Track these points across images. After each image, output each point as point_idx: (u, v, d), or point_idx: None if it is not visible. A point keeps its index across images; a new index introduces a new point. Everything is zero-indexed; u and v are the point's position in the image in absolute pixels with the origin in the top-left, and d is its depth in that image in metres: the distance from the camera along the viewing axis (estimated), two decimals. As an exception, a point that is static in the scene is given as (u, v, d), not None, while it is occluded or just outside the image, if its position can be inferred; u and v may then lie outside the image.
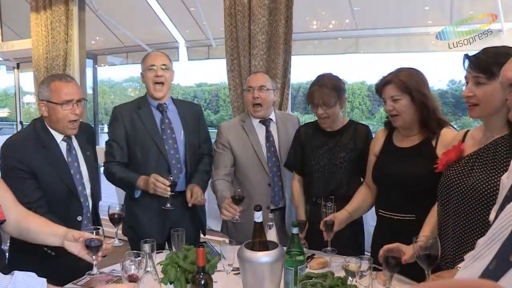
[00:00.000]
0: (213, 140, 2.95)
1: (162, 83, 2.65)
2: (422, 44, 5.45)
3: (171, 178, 2.49)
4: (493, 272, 0.72)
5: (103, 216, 2.46)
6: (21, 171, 2.17)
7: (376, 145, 2.33)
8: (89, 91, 6.71)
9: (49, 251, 2.13)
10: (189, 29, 6.57)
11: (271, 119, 2.82)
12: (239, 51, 3.81)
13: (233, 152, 2.75)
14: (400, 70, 2.14)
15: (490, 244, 0.77)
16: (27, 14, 5.24)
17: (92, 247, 1.80)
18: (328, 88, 2.45)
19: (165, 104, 2.71)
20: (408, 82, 2.08)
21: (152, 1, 6.11)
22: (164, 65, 2.65)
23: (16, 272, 1.40)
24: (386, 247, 1.81)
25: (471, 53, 1.69)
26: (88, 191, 2.40)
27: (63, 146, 2.34)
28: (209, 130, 3.02)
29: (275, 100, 2.95)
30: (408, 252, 1.78)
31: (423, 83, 2.13)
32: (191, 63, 6.89)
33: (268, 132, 2.79)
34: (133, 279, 1.65)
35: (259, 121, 2.80)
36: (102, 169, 2.79)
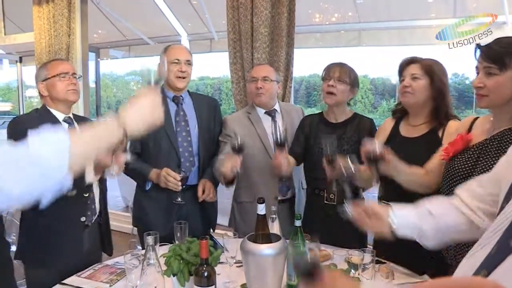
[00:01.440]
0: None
1: (184, 77, 2.70)
2: (425, 37, 5.43)
3: (183, 171, 2.50)
4: (494, 257, 0.72)
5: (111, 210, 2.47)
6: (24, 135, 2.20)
7: (381, 135, 2.32)
8: (92, 84, 6.71)
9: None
10: (191, 22, 6.55)
11: (276, 110, 2.83)
12: (241, 44, 3.80)
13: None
14: (426, 58, 2.18)
15: (493, 233, 0.77)
16: (30, 8, 5.23)
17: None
18: (347, 68, 2.53)
19: (181, 96, 2.73)
20: (433, 66, 2.12)
21: (154, -6, 6.10)
22: (188, 60, 2.70)
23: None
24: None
25: (482, 44, 1.67)
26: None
27: (64, 126, 2.37)
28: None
29: (279, 92, 2.94)
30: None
31: (445, 75, 2.16)
32: (193, 56, 6.88)
33: (274, 123, 2.79)
34: None
35: (265, 112, 2.80)
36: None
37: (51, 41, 5.04)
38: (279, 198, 2.71)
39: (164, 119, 2.60)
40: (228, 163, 2.36)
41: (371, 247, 2.19)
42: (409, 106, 2.20)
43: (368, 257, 1.77)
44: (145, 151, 2.67)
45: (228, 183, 2.55)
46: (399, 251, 1.86)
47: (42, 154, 1.11)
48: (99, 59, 7.36)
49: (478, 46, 1.66)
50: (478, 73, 1.67)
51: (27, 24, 5.55)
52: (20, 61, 6.73)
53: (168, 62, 2.67)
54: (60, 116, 2.36)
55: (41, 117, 2.31)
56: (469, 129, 1.85)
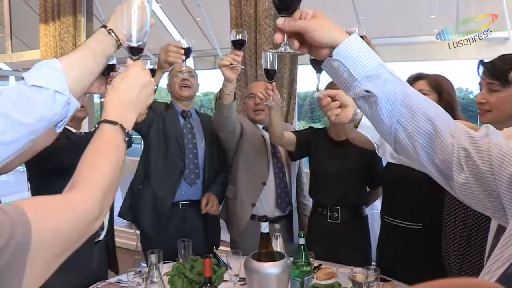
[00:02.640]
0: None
1: (189, 86, 2.73)
2: (429, 52, 5.45)
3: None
4: (510, 276, 0.70)
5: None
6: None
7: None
8: (96, 100, 6.74)
9: None
10: (195, 39, 6.60)
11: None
12: (245, 61, 3.82)
13: (242, 129, 2.71)
14: (435, 74, 2.19)
15: (506, 247, 0.75)
16: (36, 25, 5.30)
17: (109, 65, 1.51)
18: None
19: (189, 111, 2.76)
20: (441, 82, 2.12)
21: (158, 11, 6.17)
22: (190, 72, 2.72)
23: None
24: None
25: (486, 60, 1.68)
26: None
27: None
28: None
29: (283, 108, 2.95)
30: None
31: (453, 89, 2.17)
32: (197, 73, 6.92)
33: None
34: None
35: (262, 128, 2.80)
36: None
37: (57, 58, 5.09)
38: (277, 214, 2.70)
39: (173, 131, 2.66)
40: (228, 58, 2.18)
41: (375, 263, 2.18)
42: None
43: (372, 275, 1.76)
44: (153, 153, 2.68)
45: (227, 100, 2.37)
46: (403, 269, 1.85)
47: (41, 83, 1.10)
48: (104, 77, 7.41)
49: (482, 62, 1.67)
50: (481, 89, 1.68)
51: (34, 42, 5.63)
52: (26, 78, 6.79)
53: (172, 77, 2.73)
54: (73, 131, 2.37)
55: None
56: None
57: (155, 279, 1.62)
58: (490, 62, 1.65)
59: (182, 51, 2.15)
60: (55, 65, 1.14)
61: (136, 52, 1.18)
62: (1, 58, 6.41)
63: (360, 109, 1.13)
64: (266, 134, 2.74)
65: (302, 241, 1.84)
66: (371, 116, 1.03)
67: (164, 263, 2.02)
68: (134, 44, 1.18)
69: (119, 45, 1.26)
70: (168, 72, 2.77)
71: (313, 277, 1.97)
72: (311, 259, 1.93)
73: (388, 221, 2.23)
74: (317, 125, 2.92)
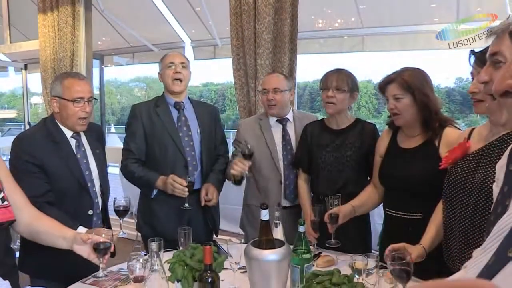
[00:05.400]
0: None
1: (181, 80, 2.70)
2: (429, 42, 5.43)
3: (189, 178, 2.51)
4: (492, 266, 0.72)
5: (112, 216, 2.48)
6: (30, 164, 2.18)
7: (381, 146, 2.33)
8: (96, 91, 6.75)
9: None
10: (195, 28, 6.59)
11: (287, 119, 2.83)
12: (244, 51, 3.82)
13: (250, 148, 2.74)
14: (404, 70, 2.13)
15: (493, 240, 0.77)
16: (35, 16, 5.28)
17: (100, 249, 1.81)
18: (344, 75, 2.50)
19: (182, 102, 2.75)
20: (411, 81, 2.07)
21: (158, 1, 6.14)
22: (182, 63, 2.70)
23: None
24: (391, 247, 1.80)
25: (477, 50, 1.68)
26: (97, 188, 2.41)
27: (72, 142, 2.36)
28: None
29: (292, 100, 2.95)
30: (414, 251, 1.78)
31: (427, 83, 2.12)
32: (197, 63, 6.92)
33: (284, 131, 2.80)
34: (138, 280, 1.66)
35: (276, 120, 2.81)
36: (119, 167, 2.82)
37: (56, 49, 5.08)
38: (285, 204, 2.73)
39: (168, 125, 2.67)
40: (238, 167, 2.49)
41: (376, 252, 2.19)
42: (404, 126, 2.20)
43: (372, 262, 1.76)
44: (151, 158, 2.69)
45: (236, 182, 2.66)
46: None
47: None
48: (103, 66, 7.40)
49: (473, 52, 1.67)
50: (473, 78, 1.68)
51: (32, 32, 5.61)
52: (25, 69, 6.79)
53: (164, 68, 2.70)
54: (68, 133, 2.36)
55: (48, 133, 2.30)
56: (468, 138, 1.86)
57: (156, 267, 1.63)
58: (481, 51, 1.64)
59: (186, 189, 2.48)
60: None
61: None
62: (0, 49, 6.40)
63: None
64: (279, 128, 2.80)
65: (302, 228, 1.85)
66: None
67: (164, 251, 2.04)
68: None
69: None
70: (159, 62, 2.76)
71: (313, 265, 1.98)
72: (311, 246, 1.94)
73: (389, 213, 2.24)
74: (317, 115, 2.91)
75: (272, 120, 2.81)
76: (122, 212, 2.29)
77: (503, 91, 0.74)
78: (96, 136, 2.54)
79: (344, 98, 2.47)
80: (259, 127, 2.82)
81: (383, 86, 2.17)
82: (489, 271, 0.71)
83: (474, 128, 1.89)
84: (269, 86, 2.73)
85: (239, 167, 2.49)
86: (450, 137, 2.03)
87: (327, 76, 2.52)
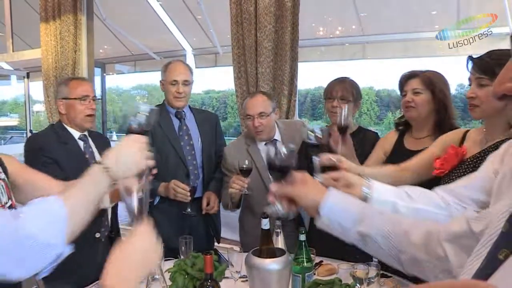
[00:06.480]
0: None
1: (182, 97, 2.74)
2: (430, 48, 5.44)
3: (191, 184, 2.52)
4: (483, 270, 0.72)
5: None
6: (44, 157, 2.26)
7: (387, 144, 2.32)
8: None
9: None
10: (196, 37, 6.61)
11: (276, 140, 2.72)
12: (245, 59, 3.82)
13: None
14: (427, 70, 2.20)
15: (484, 245, 0.77)
16: (37, 24, 5.30)
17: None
18: (349, 85, 2.50)
19: (184, 111, 2.76)
20: (434, 79, 2.13)
21: (159, 9, 6.17)
22: (185, 81, 2.73)
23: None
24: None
25: (475, 56, 1.71)
26: None
27: (80, 143, 2.45)
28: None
29: (277, 119, 2.82)
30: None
31: (446, 86, 2.18)
32: (198, 71, 6.93)
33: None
34: None
35: (265, 144, 2.70)
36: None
37: (58, 57, 5.10)
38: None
39: (169, 134, 2.68)
40: (236, 184, 2.39)
41: (376, 260, 2.18)
42: (413, 120, 2.21)
43: (373, 271, 1.76)
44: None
45: (234, 206, 2.60)
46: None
47: (38, 234, 1.07)
48: (105, 74, 7.42)
49: (470, 58, 1.70)
50: (470, 84, 1.71)
51: (35, 41, 5.63)
52: (28, 77, 6.81)
53: (166, 82, 2.72)
54: (75, 134, 2.44)
55: (57, 135, 2.39)
56: (461, 142, 1.86)
57: (156, 276, 1.63)
58: (478, 57, 1.69)
59: (189, 193, 2.49)
60: (59, 213, 1.12)
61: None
62: (2, 58, 6.43)
63: (363, 249, 1.17)
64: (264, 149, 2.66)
65: (302, 237, 1.84)
66: (370, 250, 1.13)
67: (165, 260, 2.03)
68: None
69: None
70: (162, 70, 2.77)
71: (314, 273, 1.98)
72: (312, 255, 1.93)
73: None
74: (319, 123, 2.89)
75: (261, 145, 2.70)
76: None
77: (501, 94, 0.75)
78: (102, 142, 2.63)
79: (348, 107, 2.47)
80: (247, 154, 2.67)
81: (404, 80, 2.21)
82: (481, 275, 0.71)
83: (468, 131, 1.89)
84: (253, 112, 2.59)
85: (238, 184, 2.37)
86: (446, 136, 2.00)
87: (332, 85, 2.52)
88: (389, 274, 2.02)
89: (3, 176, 1.53)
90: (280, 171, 1.25)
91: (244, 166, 2.40)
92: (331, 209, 1.14)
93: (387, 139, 2.36)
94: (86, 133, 2.49)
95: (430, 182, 1.88)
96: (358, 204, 1.18)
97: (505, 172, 0.96)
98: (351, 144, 2.10)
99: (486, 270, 0.70)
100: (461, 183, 1.44)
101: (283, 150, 1.28)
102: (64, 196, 1.16)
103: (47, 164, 2.23)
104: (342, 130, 1.98)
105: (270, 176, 1.35)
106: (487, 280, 0.68)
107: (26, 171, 1.78)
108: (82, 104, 2.42)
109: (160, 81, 2.79)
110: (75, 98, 2.41)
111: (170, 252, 2.14)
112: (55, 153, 2.29)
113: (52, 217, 1.11)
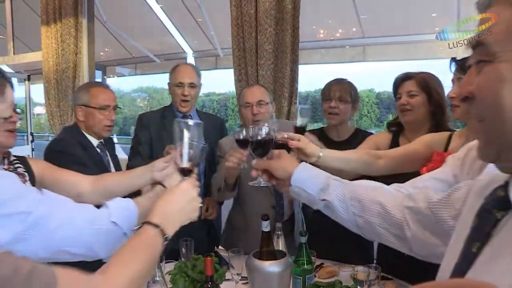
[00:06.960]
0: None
1: (188, 100, 2.72)
2: (430, 51, 5.45)
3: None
4: (460, 265, 0.74)
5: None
6: (70, 156, 2.20)
7: (380, 142, 2.30)
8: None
9: None
10: (197, 39, 6.63)
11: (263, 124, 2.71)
12: (246, 61, 3.83)
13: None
14: (421, 72, 2.19)
15: (456, 242, 0.80)
16: (38, 27, 5.32)
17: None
18: (347, 85, 2.50)
19: (190, 115, 2.76)
20: (429, 81, 2.13)
21: (160, 12, 6.19)
22: (191, 83, 2.71)
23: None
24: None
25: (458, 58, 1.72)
26: None
27: (98, 151, 2.43)
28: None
29: (272, 114, 2.78)
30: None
31: (441, 88, 2.17)
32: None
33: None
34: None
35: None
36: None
37: (59, 60, 5.11)
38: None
39: (173, 138, 2.67)
40: (233, 157, 2.09)
41: (375, 262, 2.18)
42: (409, 124, 2.20)
43: (373, 273, 1.76)
44: None
45: (228, 189, 2.38)
46: (403, 267, 1.85)
47: (120, 223, 1.24)
48: (105, 77, 7.44)
49: (453, 59, 1.72)
50: (453, 85, 1.72)
51: (36, 43, 5.65)
52: (28, 80, 6.81)
53: (173, 85, 2.72)
54: (94, 141, 2.41)
55: (78, 142, 2.34)
56: (447, 144, 1.86)
57: (157, 278, 1.63)
58: (461, 59, 1.70)
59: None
60: (134, 211, 1.31)
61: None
62: (3, 60, 6.44)
63: (330, 216, 1.32)
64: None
65: (303, 239, 1.84)
66: (334, 216, 1.28)
67: (166, 262, 2.03)
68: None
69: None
70: (170, 73, 2.78)
71: (315, 276, 1.98)
72: (312, 258, 1.93)
73: None
74: (319, 125, 2.89)
75: None
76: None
77: (464, 97, 0.77)
78: (111, 147, 2.61)
79: (347, 109, 2.48)
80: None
81: (399, 82, 2.21)
82: (459, 271, 0.74)
83: (452, 134, 1.89)
84: (252, 99, 2.51)
85: (236, 157, 2.09)
86: (431, 136, 1.96)
87: (330, 86, 2.52)
88: (390, 277, 2.02)
89: (27, 177, 1.61)
90: (260, 148, 1.51)
91: (241, 136, 1.99)
92: (300, 179, 1.32)
93: (380, 138, 2.35)
94: (102, 140, 2.47)
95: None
96: (325, 175, 1.33)
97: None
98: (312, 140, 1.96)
99: (462, 266, 0.73)
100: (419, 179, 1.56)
101: (263, 130, 1.56)
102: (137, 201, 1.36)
103: (73, 164, 2.10)
104: (300, 130, 1.91)
105: (252, 153, 1.54)
106: (464, 275, 0.70)
107: (54, 170, 1.79)
108: (102, 114, 2.35)
109: (168, 83, 2.80)
110: (95, 107, 2.33)
111: (170, 255, 2.14)
112: (82, 157, 2.26)
113: (129, 212, 1.29)
